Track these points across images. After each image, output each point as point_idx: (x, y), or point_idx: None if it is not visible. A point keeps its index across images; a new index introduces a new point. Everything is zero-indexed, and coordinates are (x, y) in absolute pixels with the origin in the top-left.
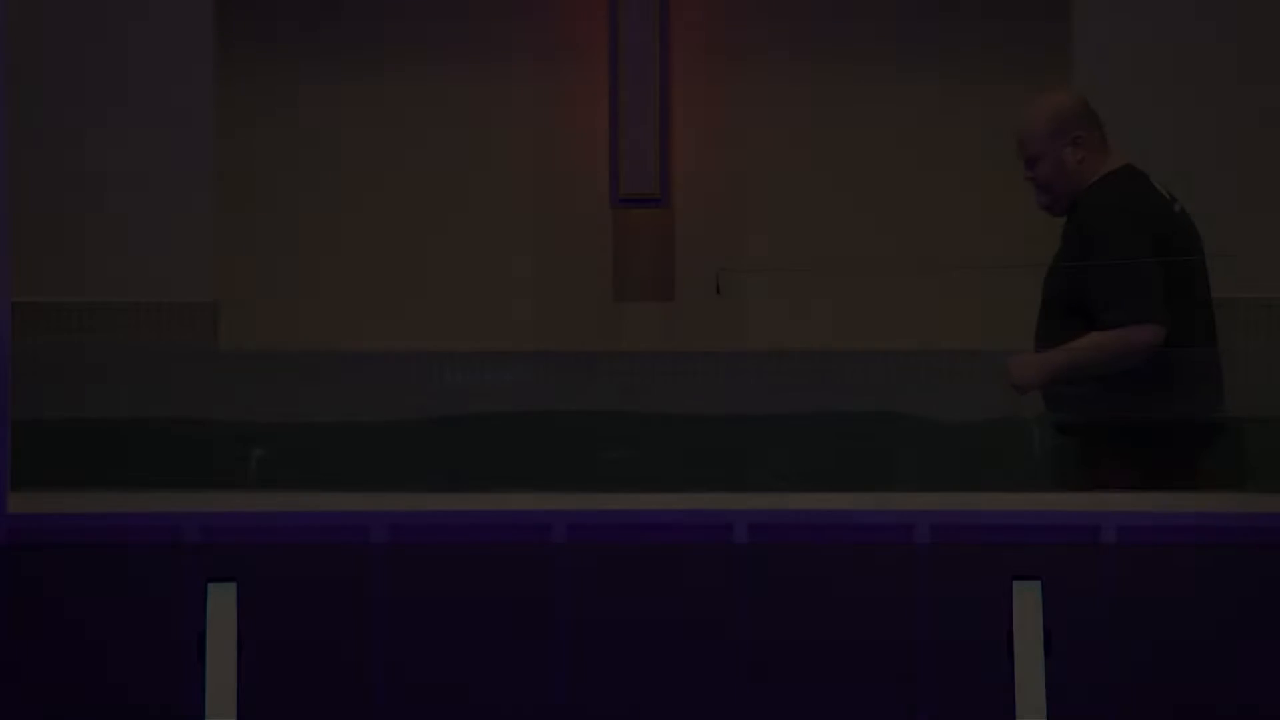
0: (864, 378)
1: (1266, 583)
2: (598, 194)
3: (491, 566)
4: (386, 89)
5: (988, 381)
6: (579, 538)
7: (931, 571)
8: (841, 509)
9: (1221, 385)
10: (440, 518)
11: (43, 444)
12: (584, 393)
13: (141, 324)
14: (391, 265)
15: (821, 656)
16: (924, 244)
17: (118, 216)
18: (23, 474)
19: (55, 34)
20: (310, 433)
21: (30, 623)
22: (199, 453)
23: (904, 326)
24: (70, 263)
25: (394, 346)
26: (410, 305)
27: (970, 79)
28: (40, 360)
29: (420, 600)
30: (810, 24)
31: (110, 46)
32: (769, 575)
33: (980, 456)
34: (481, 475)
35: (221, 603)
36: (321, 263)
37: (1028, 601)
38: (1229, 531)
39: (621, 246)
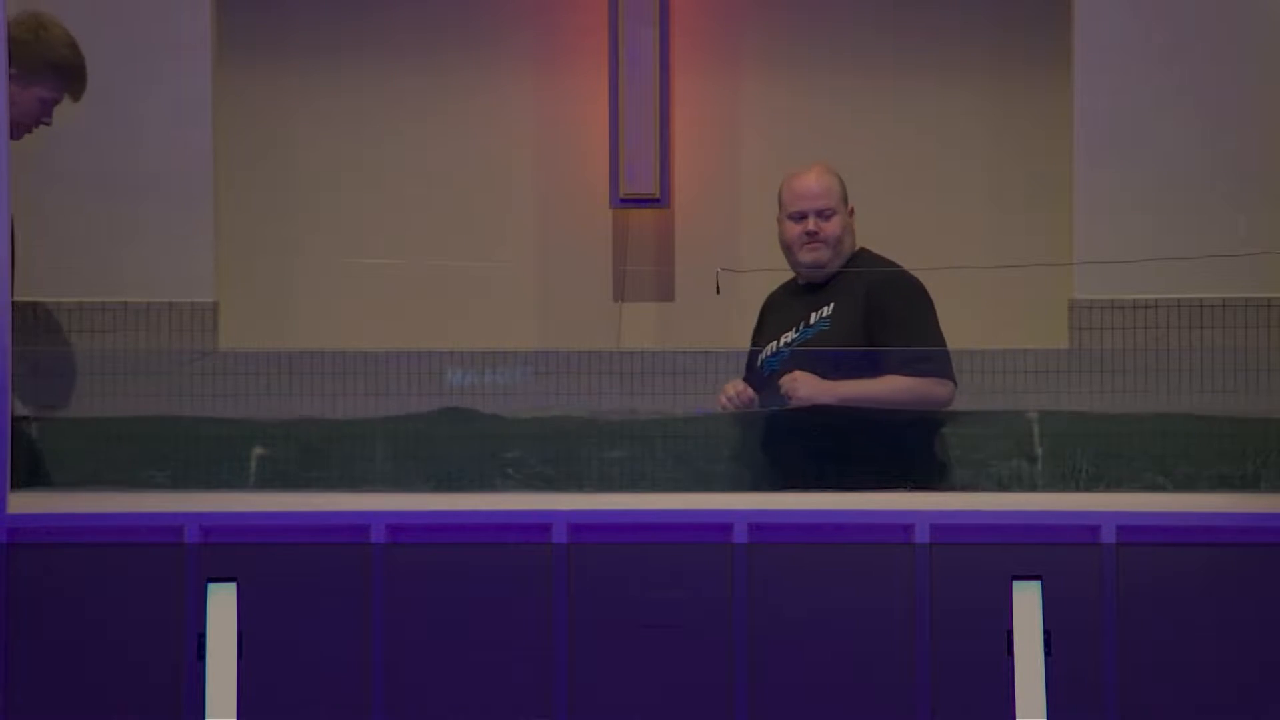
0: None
1: (1267, 583)
2: (598, 194)
3: (491, 566)
4: (387, 89)
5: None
6: (579, 538)
7: (931, 571)
8: (841, 509)
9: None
10: (440, 518)
11: (43, 444)
12: (584, 393)
13: (141, 324)
14: (391, 265)
15: (821, 656)
16: (924, 244)
17: (118, 216)
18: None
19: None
20: (310, 433)
21: (30, 622)
22: (199, 453)
23: None
24: (70, 263)
25: (394, 347)
26: (410, 305)
27: (970, 79)
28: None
29: (420, 600)
30: (810, 24)
31: (110, 46)
32: (769, 575)
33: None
34: (481, 475)
35: (221, 603)
36: (321, 263)
37: (1028, 601)
38: (1229, 531)
39: (621, 246)
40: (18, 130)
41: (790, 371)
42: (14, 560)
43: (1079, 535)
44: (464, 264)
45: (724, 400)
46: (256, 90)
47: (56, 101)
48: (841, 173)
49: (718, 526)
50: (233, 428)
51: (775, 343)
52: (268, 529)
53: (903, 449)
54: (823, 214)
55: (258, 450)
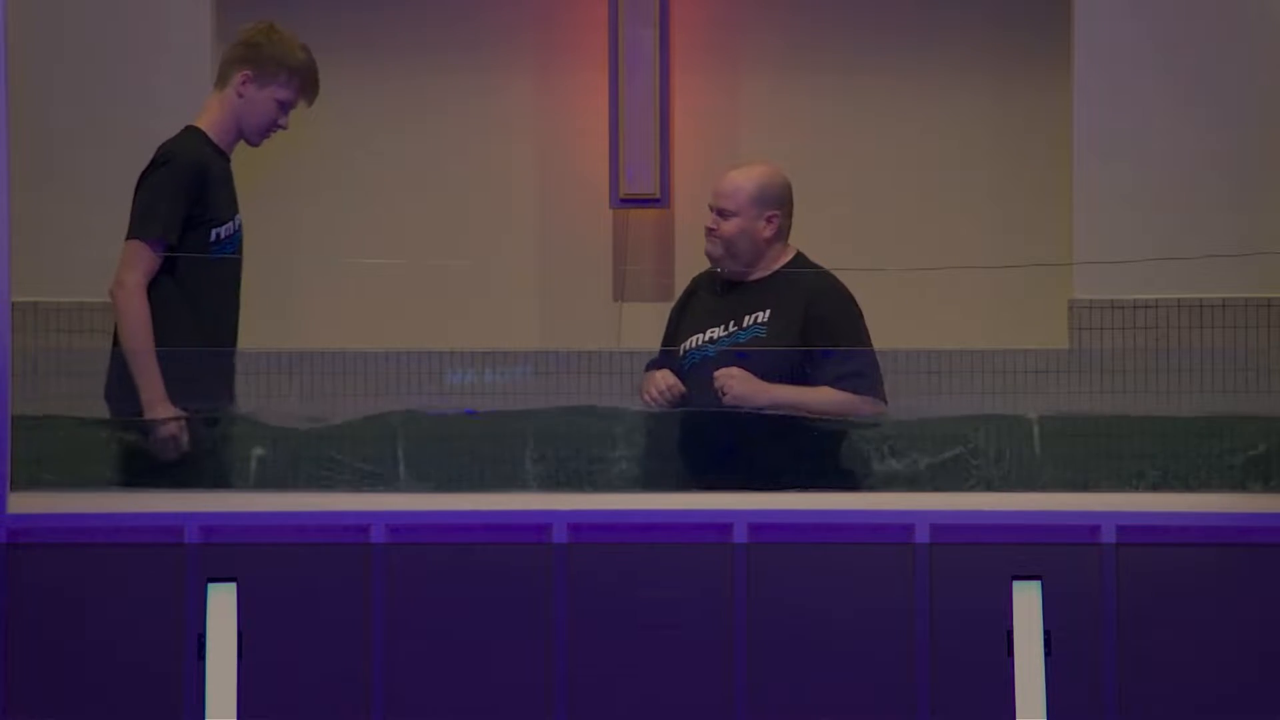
0: None
1: (1267, 583)
2: (598, 194)
3: (492, 566)
4: (387, 89)
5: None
6: (579, 538)
7: (931, 571)
8: (841, 509)
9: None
10: (440, 518)
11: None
12: (584, 393)
13: None
14: (391, 265)
15: (821, 656)
16: (924, 244)
17: (118, 217)
18: (23, 474)
19: (55, 33)
20: (310, 432)
21: (30, 622)
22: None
23: (904, 326)
24: (70, 263)
25: (394, 346)
26: (410, 305)
27: (970, 79)
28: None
29: (420, 600)
30: (810, 25)
31: (110, 46)
32: (769, 575)
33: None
34: (482, 475)
35: (221, 603)
36: (321, 263)
37: (1028, 601)
38: (1229, 531)
39: (621, 246)
40: (256, 134)
41: (725, 367)
42: (14, 560)
43: (1079, 535)
44: (464, 264)
45: (653, 394)
46: None
47: (292, 104)
48: (841, 173)
49: (718, 526)
50: (233, 428)
51: (700, 336)
52: (268, 529)
53: (805, 454)
54: (722, 213)
55: (258, 450)
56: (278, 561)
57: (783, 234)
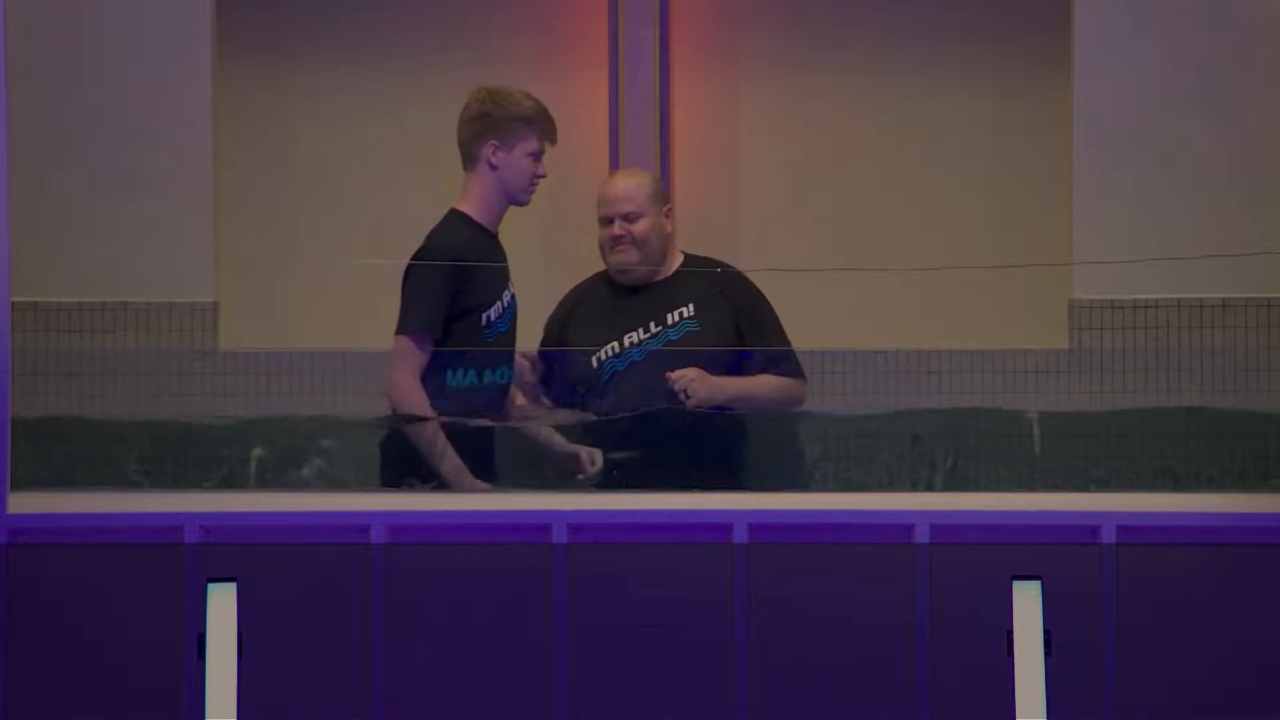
0: (863, 378)
1: (1267, 583)
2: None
3: (492, 566)
4: (386, 89)
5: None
6: (579, 538)
7: (931, 571)
8: (841, 509)
9: None
10: (440, 518)
11: (43, 444)
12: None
13: (141, 324)
14: (391, 265)
15: (821, 656)
16: (924, 244)
17: (118, 216)
18: (23, 474)
19: (55, 33)
20: (310, 433)
21: (30, 622)
22: (199, 453)
23: (904, 326)
24: (71, 263)
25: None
26: None
27: (970, 79)
28: (40, 360)
29: (420, 600)
30: (810, 24)
31: (110, 46)
32: (769, 575)
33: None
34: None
35: (221, 603)
36: (321, 263)
37: (1028, 601)
38: (1229, 531)
39: None
40: (523, 193)
41: (679, 369)
42: (14, 560)
43: (1079, 535)
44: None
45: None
46: (256, 90)
47: (541, 151)
48: (841, 172)
49: (718, 526)
50: (233, 428)
51: (615, 344)
52: (268, 529)
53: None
54: (628, 217)
55: (258, 450)
56: (278, 561)
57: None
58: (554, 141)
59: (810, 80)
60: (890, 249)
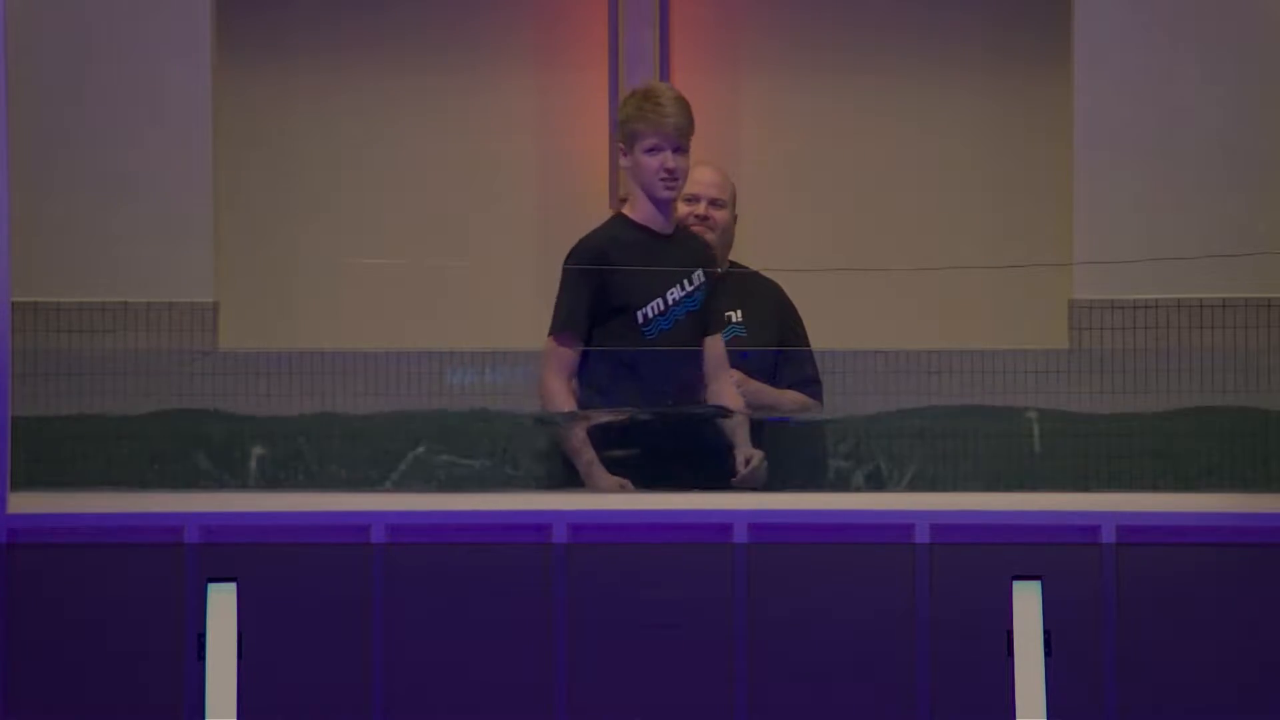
0: (864, 378)
1: (1267, 583)
2: (598, 194)
3: (491, 566)
4: (386, 89)
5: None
6: (579, 538)
7: (931, 571)
8: (841, 509)
9: None
10: (440, 518)
11: (43, 444)
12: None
13: (141, 324)
14: (391, 265)
15: (821, 656)
16: (924, 244)
17: (118, 216)
18: (23, 474)
19: (55, 34)
20: (310, 433)
21: (30, 622)
22: (199, 452)
23: (904, 326)
24: (70, 263)
25: (394, 346)
26: (410, 305)
27: (970, 79)
28: (40, 360)
29: (420, 600)
30: (810, 24)
31: (110, 46)
32: (769, 575)
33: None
34: (482, 475)
35: (221, 603)
36: (321, 263)
37: (1028, 601)
38: (1229, 531)
39: None
40: (654, 188)
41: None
42: (14, 560)
43: (1079, 535)
44: (464, 264)
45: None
46: (256, 90)
47: (656, 145)
48: (841, 172)
49: (718, 526)
50: (233, 428)
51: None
52: (268, 529)
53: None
54: (715, 203)
55: (258, 450)
56: (278, 561)
57: None
58: (663, 128)
59: (810, 80)
60: (890, 249)
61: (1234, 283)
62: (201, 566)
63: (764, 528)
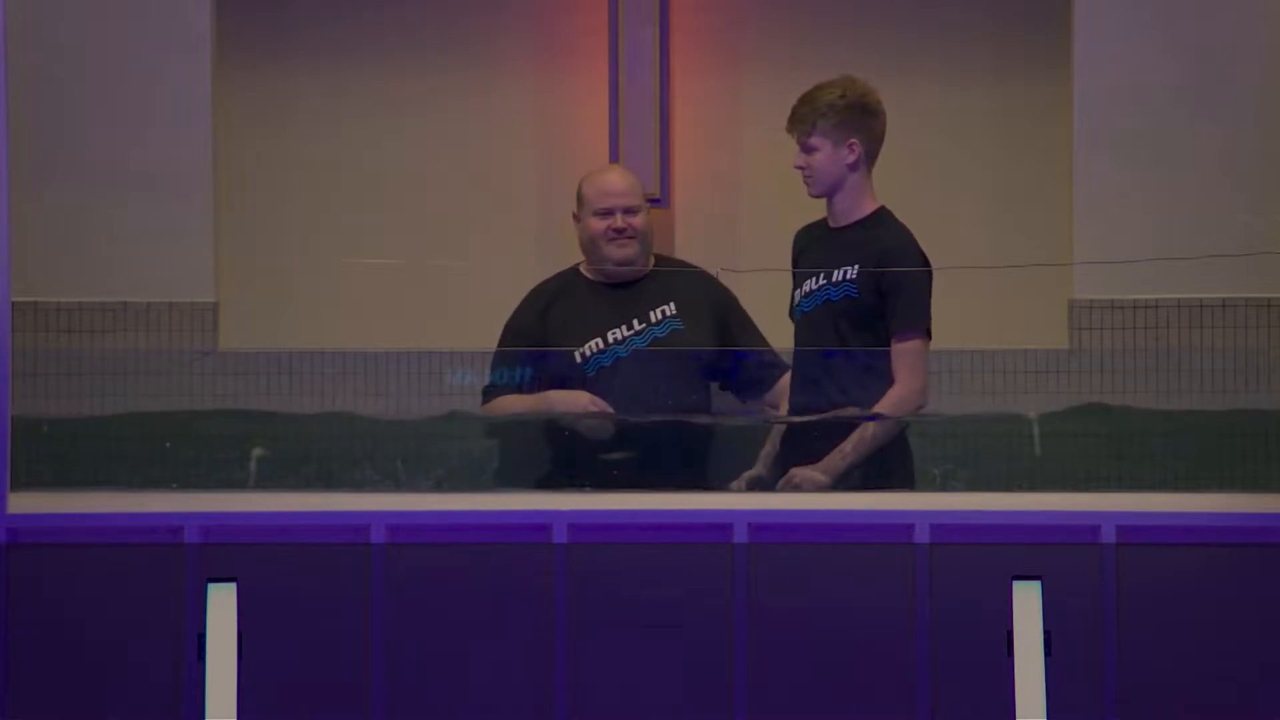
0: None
1: (1267, 583)
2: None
3: (492, 566)
4: (386, 89)
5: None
6: (579, 538)
7: (931, 571)
8: (841, 509)
9: None
10: (440, 518)
11: (43, 444)
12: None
13: (141, 324)
14: (391, 265)
15: (821, 656)
16: (924, 243)
17: (118, 216)
18: (23, 474)
19: (55, 33)
20: (310, 433)
21: (30, 622)
22: (199, 453)
23: None
24: (70, 263)
25: (394, 347)
26: (410, 305)
27: (971, 78)
28: (40, 360)
29: (420, 600)
30: (810, 24)
31: (110, 46)
32: (769, 575)
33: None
34: (482, 475)
35: (221, 603)
36: (321, 263)
37: (1028, 601)
38: (1229, 531)
39: None
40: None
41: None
42: (14, 560)
43: (1079, 535)
44: (464, 264)
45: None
46: (256, 90)
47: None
48: None
49: (718, 526)
50: (233, 428)
51: (600, 340)
52: (268, 529)
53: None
54: (631, 210)
55: (257, 450)
56: (278, 561)
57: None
58: (792, 129)
59: (810, 80)
60: None
61: (1234, 283)
62: (201, 566)
63: (764, 528)
